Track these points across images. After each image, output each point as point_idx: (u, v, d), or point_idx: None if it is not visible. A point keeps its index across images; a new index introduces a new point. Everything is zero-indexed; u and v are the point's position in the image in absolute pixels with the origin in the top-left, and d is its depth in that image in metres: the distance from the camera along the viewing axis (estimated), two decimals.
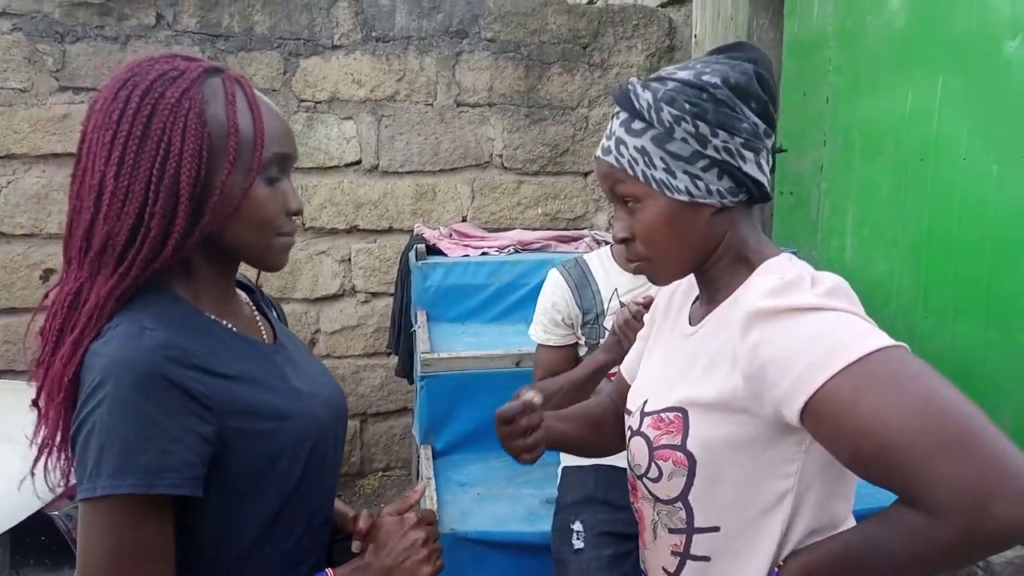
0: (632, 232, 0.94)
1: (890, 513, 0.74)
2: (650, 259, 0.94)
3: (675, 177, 0.88)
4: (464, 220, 3.59)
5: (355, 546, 0.95)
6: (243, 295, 1.01)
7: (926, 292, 2.35)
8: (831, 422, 0.73)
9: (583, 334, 1.77)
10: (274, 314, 1.06)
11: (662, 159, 0.88)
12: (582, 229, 3.53)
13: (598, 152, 0.95)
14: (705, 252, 0.93)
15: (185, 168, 0.80)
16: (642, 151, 0.89)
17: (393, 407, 3.72)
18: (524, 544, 1.81)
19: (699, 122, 0.86)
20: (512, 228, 3.52)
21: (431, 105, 3.55)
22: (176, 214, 0.80)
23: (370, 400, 3.68)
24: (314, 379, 0.97)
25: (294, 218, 0.91)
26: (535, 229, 3.44)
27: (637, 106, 0.89)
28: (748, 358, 0.80)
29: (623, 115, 0.91)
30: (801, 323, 0.76)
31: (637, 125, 0.89)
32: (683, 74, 0.89)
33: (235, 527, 0.84)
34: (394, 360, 3.42)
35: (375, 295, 3.62)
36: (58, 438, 0.82)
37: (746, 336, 0.80)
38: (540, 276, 2.64)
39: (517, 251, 2.95)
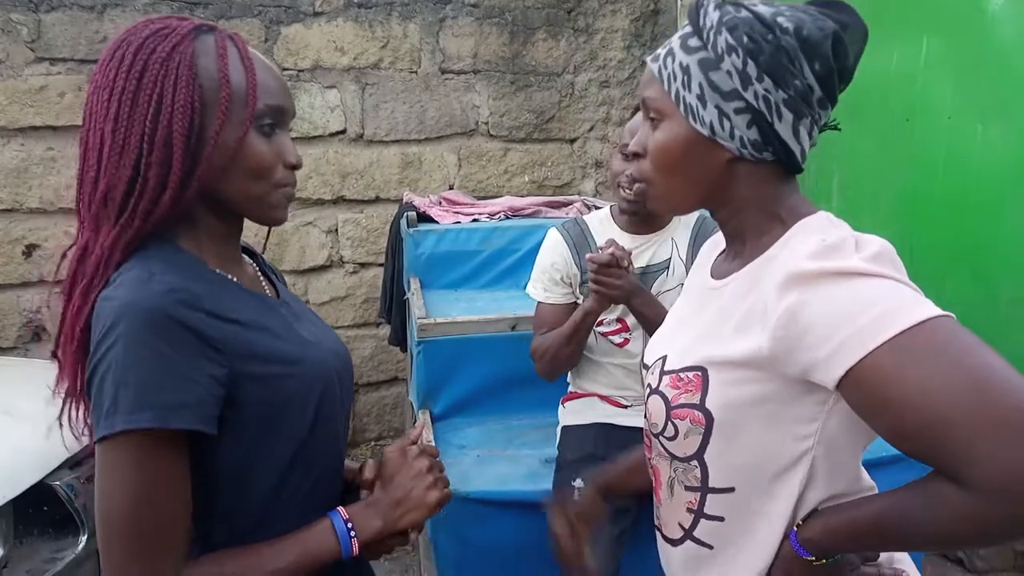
0: (645, 149, 0.90)
1: (927, 486, 0.72)
2: (652, 182, 0.91)
3: (705, 107, 0.84)
4: (451, 188, 3.58)
5: (363, 494, 0.98)
6: (245, 257, 1.03)
7: (911, 252, 2.39)
8: (875, 393, 0.71)
9: (581, 294, 1.79)
10: (276, 277, 1.08)
11: (700, 84, 0.83)
12: (571, 195, 3.54)
13: (649, 56, 0.91)
14: (712, 197, 0.90)
15: (177, 119, 0.82)
16: (685, 69, 0.84)
17: (384, 377, 3.73)
18: (526, 502, 1.84)
19: (749, 60, 0.81)
20: (500, 196, 3.51)
21: (415, 72, 3.52)
22: (172, 165, 0.83)
23: (361, 370, 3.68)
24: (319, 333, 1.00)
25: (294, 172, 0.93)
26: (524, 196, 3.44)
27: (700, 23, 0.85)
28: (783, 319, 0.76)
29: (687, 28, 0.87)
30: (846, 288, 0.73)
31: (693, 42, 0.85)
32: (762, 9, 0.83)
33: (253, 473, 0.87)
34: (384, 330, 3.42)
35: (363, 265, 3.61)
36: (78, 387, 0.84)
37: (783, 296, 0.76)
38: (532, 241, 2.66)
39: (508, 217, 2.95)
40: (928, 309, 0.71)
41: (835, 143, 2.67)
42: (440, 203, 3.04)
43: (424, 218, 2.90)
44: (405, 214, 2.84)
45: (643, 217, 1.76)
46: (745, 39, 0.81)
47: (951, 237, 2.22)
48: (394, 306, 3.02)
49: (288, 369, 0.88)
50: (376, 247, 3.55)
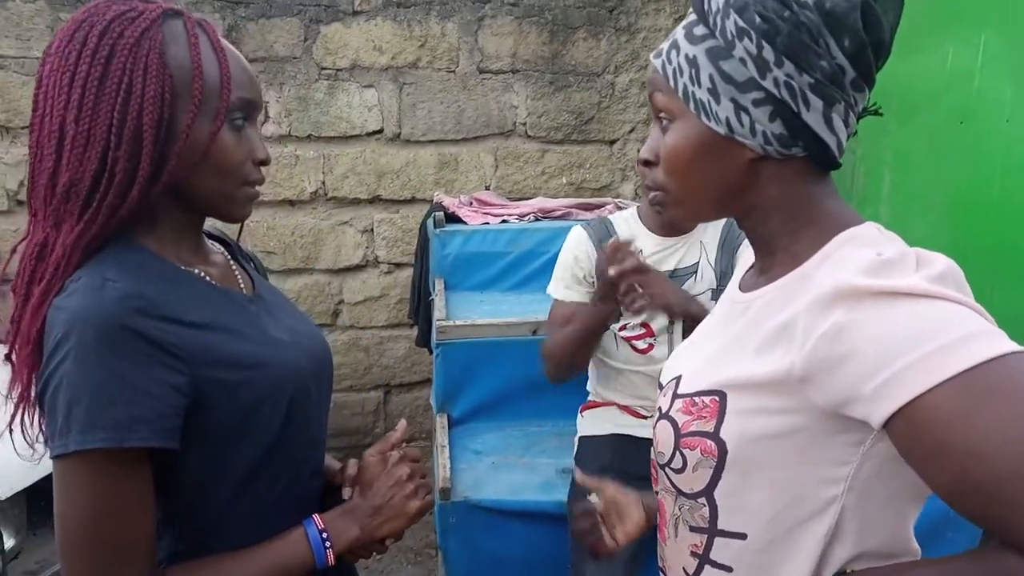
0: (657, 155, 0.81)
1: (987, 558, 0.61)
2: (668, 191, 0.82)
3: (718, 102, 0.74)
4: (487, 189, 3.54)
5: (345, 492, 0.95)
6: (217, 246, 1.00)
7: (964, 260, 2.20)
8: (933, 437, 0.60)
9: None
10: (252, 267, 1.05)
11: (711, 77, 0.74)
12: (604, 198, 3.45)
13: (652, 53, 0.82)
14: (735, 203, 0.80)
15: (147, 111, 0.78)
16: (691, 62, 0.75)
17: (417, 378, 3.71)
18: (539, 513, 1.79)
19: (765, 43, 0.71)
20: (535, 198, 3.45)
21: (453, 72, 3.49)
22: (140, 159, 0.78)
23: (394, 371, 3.67)
24: (296, 330, 0.96)
25: (262, 169, 0.89)
26: (558, 198, 3.37)
27: (705, 7, 0.75)
28: (824, 339, 0.66)
29: (692, 16, 0.78)
30: (905, 311, 0.62)
31: (699, 31, 0.76)
32: None
33: (216, 479, 0.84)
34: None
35: (398, 266, 3.59)
36: (31, 393, 0.81)
37: (826, 313, 0.66)
38: (561, 244, 2.59)
39: (538, 219, 2.89)
40: (1004, 342, 0.61)
41: (886, 145, 2.56)
42: (471, 204, 3.00)
43: (453, 219, 2.86)
44: (433, 214, 2.80)
45: None
46: (757, 19, 0.71)
47: (1007, 245, 2.08)
48: (421, 307, 2.99)
49: (254, 373, 0.84)
50: (411, 247, 3.52)
